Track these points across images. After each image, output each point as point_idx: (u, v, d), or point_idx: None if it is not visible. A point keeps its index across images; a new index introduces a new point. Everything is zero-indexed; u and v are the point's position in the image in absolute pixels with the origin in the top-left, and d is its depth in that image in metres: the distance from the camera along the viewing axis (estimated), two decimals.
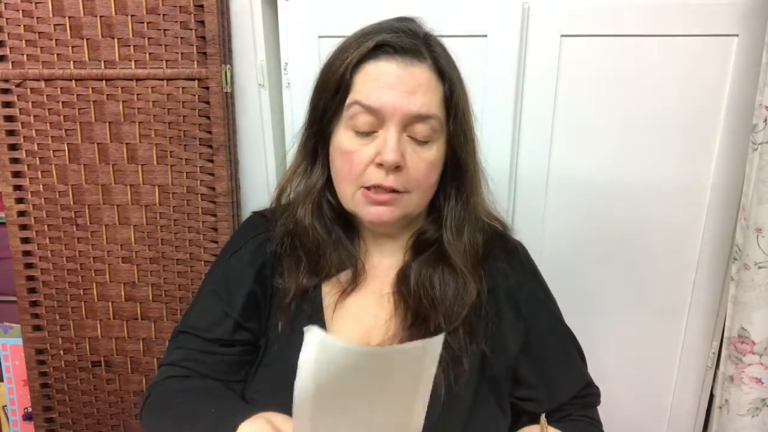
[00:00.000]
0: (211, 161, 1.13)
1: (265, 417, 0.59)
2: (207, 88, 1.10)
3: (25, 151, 1.15)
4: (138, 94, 1.11)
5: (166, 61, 1.09)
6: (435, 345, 0.49)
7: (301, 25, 1.12)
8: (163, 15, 1.07)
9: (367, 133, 0.68)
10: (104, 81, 1.11)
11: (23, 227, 1.18)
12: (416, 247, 0.77)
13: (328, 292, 0.76)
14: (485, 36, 1.07)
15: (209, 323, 0.75)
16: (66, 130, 1.14)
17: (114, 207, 1.17)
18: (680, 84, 1.06)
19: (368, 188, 0.69)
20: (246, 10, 1.12)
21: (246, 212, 1.18)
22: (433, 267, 0.74)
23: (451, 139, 0.72)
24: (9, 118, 1.13)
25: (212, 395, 0.70)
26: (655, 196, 1.12)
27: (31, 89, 1.12)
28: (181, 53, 1.09)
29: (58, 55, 1.10)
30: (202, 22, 1.07)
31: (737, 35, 1.02)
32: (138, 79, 1.10)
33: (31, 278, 1.21)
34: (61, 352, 1.24)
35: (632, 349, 1.21)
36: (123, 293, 1.21)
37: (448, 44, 0.73)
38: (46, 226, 1.18)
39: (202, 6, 1.06)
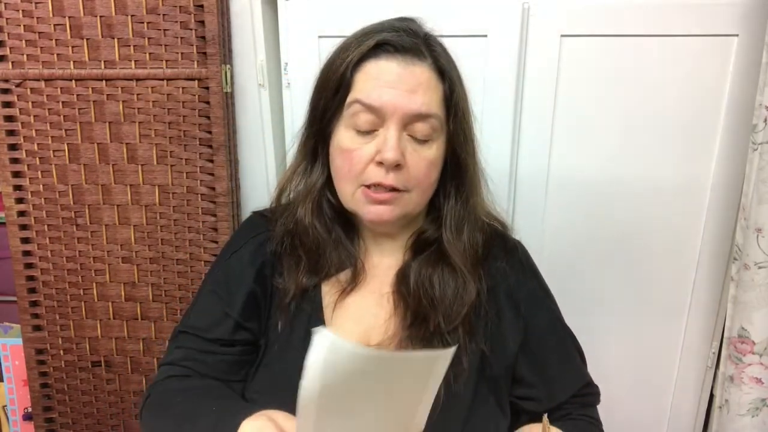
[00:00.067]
0: (211, 161, 1.13)
1: (266, 414, 0.59)
2: (207, 88, 1.10)
3: (25, 151, 1.15)
4: (138, 94, 1.11)
5: (166, 61, 1.09)
6: (446, 356, 0.49)
7: (301, 25, 1.12)
8: (163, 15, 1.07)
9: (368, 132, 0.68)
10: (104, 81, 1.11)
11: (23, 227, 1.18)
12: (416, 247, 0.77)
13: (328, 292, 0.76)
14: (485, 36, 1.08)
15: (209, 323, 0.75)
16: (66, 130, 1.14)
17: (114, 207, 1.17)
18: (680, 84, 1.06)
19: (368, 187, 0.69)
20: (246, 10, 1.12)
21: (246, 212, 1.18)
22: (432, 266, 0.74)
23: (450, 139, 0.72)
24: (9, 118, 1.13)
25: (212, 395, 0.70)
26: (655, 196, 1.12)
27: (31, 89, 1.12)
28: (181, 53, 1.09)
29: (58, 55, 1.10)
30: (202, 22, 1.07)
31: (737, 35, 1.02)
32: (138, 79, 1.10)
33: (31, 278, 1.21)
34: (61, 352, 1.24)
35: (632, 349, 1.21)
36: (123, 293, 1.21)
37: (448, 44, 0.73)
38: (46, 226, 1.18)
39: (202, 6, 1.06)
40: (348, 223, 0.77)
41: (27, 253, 1.20)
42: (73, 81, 1.11)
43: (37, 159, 1.15)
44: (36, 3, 1.08)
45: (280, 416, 0.59)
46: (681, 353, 1.20)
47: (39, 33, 1.09)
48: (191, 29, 1.08)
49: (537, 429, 0.68)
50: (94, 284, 1.21)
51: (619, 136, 1.10)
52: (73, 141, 1.14)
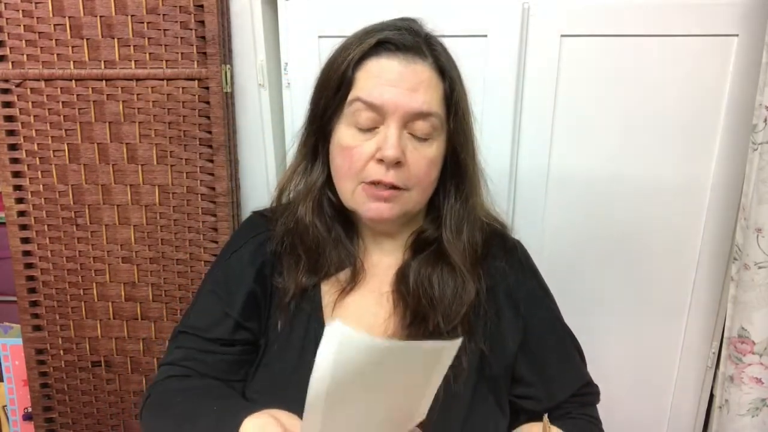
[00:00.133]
0: (211, 161, 1.13)
1: (269, 413, 0.59)
2: (207, 88, 1.10)
3: (25, 151, 1.15)
4: (138, 94, 1.11)
5: (166, 61, 1.09)
6: (453, 347, 0.50)
7: (301, 25, 1.12)
8: (163, 15, 1.07)
9: (368, 130, 0.68)
10: (104, 81, 1.11)
11: (23, 227, 1.18)
12: (415, 246, 0.77)
13: (328, 291, 0.76)
14: (485, 36, 1.08)
15: (209, 323, 0.75)
16: (66, 130, 1.14)
17: (114, 207, 1.17)
18: (680, 84, 1.06)
19: (369, 184, 0.69)
20: (246, 10, 1.12)
21: (246, 212, 1.18)
22: (432, 266, 0.74)
23: (451, 138, 0.72)
24: (9, 118, 1.13)
25: (212, 394, 0.70)
26: (655, 195, 1.12)
27: (31, 89, 1.12)
28: (181, 53, 1.09)
29: (58, 55, 1.10)
30: (202, 22, 1.07)
31: (737, 35, 1.02)
32: (138, 79, 1.10)
33: (31, 278, 1.21)
34: (61, 352, 1.24)
35: (632, 349, 1.21)
36: (123, 293, 1.21)
37: (448, 44, 0.74)
38: (46, 226, 1.18)
39: (202, 6, 1.06)
40: (348, 222, 0.77)
41: (27, 253, 1.20)
42: (73, 81, 1.11)
43: (37, 159, 1.15)
44: (36, 3, 1.08)
45: (282, 415, 0.59)
46: (681, 353, 1.20)
47: (39, 33, 1.09)
48: (191, 29, 1.08)
49: (537, 428, 0.68)
50: (94, 284, 1.21)
51: (619, 136, 1.10)
52: (73, 141, 1.14)
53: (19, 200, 1.17)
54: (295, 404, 0.55)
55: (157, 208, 1.16)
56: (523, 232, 0.92)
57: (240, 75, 1.15)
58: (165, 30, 1.08)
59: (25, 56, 1.11)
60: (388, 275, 0.77)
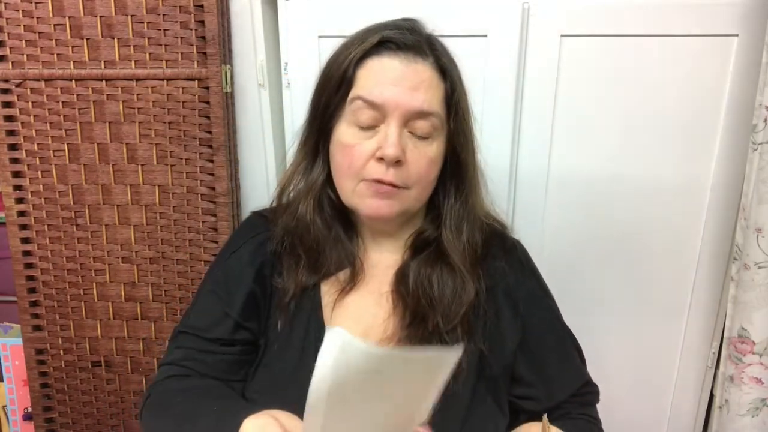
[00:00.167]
0: (211, 161, 1.13)
1: (269, 413, 0.59)
2: (207, 88, 1.10)
3: (25, 151, 1.15)
4: (138, 94, 1.11)
5: (166, 61, 1.09)
6: (454, 354, 0.50)
7: (301, 25, 1.12)
8: (163, 15, 1.07)
9: (368, 128, 0.68)
10: (104, 81, 1.11)
11: (23, 227, 1.18)
12: (415, 246, 0.77)
13: (327, 291, 0.76)
14: (485, 36, 1.07)
15: (209, 323, 0.75)
16: (66, 130, 1.14)
17: (114, 207, 1.17)
18: (680, 84, 1.06)
19: (369, 181, 0.69)
20: (246, 10, 1.12)
21: (246, 212, 1.18)
22: (431, 266, 0.74)
23: (451, 138, 0.73)
24: (9, 118, 1.13)
25: (212, 394, 0.70)
26: (655, 195, 1.12)
27: (31, 89, 1.12)
28: (181, 53, 1.09)
29: (58, 55, 1.10)
30: (202, 22, 1.07)
31: (737, 35, 1.02)
32: (138, 79, 1.10)
33: (31, 278, 1.21)
34: (61, 352, 1.24)
35: (632, 349, 1.21)
36: (123, 293, 1.21)
37: (448, 44, 0.74)
38: (46, 226, 1.18)
39: (202, 6, 1.06)
40: (347, 222, 0.78)
41: (27, 253, 1.20)
42: (73, 81, 1.11)
43: (37, 159, 1.15)
44: (36, 3, 1.08)
45: (282, 415, 0.59)
46: (681, 353, 1.20)
47: (39, 33, 1.09)
48: (191, 29, 1.08)
49: (536, 428, 0.68)
50: (94, 284, 1.21)
51: (619, 136, 1.10)
52: (73, 141, 1.14)
53: (19, 200, 1.17)
54: (295, 404, 0.55)
55: (157, 208, 1.16)
56: (523, 232, 0.92)
57: (240, 75, 1.15)
58: (165, 30, 1.08)
59: (25, 56, 1.11)
60: (387, 275, 0.77)
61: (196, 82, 1.10)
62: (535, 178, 1.14)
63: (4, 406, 1.37)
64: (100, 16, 1.08)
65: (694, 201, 1.11)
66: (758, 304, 1.02)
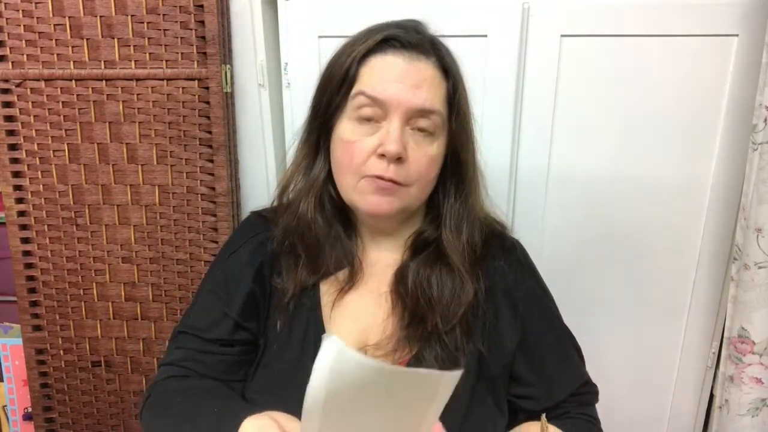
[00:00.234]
0: (211, 161, 1.13)
1: (269, 415, 0.59)
2: (207, 88, 1.10)
3: (25, 151, 1.15)
4: (138, 94, 1.11)
5: (166, 61, 1.09)
6: (452, 378, 0.50)
7: (301, 25, 1.12)
8: (163, 15, 1.07)
9: (370, 125, 0.68)
10: (104, 81, 1.11)
11: (23, 227, 1.18)
12: (414, 247, 0.77)
13: (326, 291, 0.76)
14: (485, 36, 1.08)
15: (208, 323, 0.75)
16: (66, 130, 1.14)
17: (114, 207, 1.17)
18: (680, 84, 1.06)
19: (370, 177, 0.69)
20: (246, 10, 1.12)
21: (246, 212, 1.18)
22: (431, 267, 0.74)
23: (452, 137, 0.73)
24: (9, 118, 1.13)
25: (212, 395, 0.70)
26: (655, 195, 1.12)
27: (31, 89, 1.12)
28: (181, 53, 1.09)
29: (58, 55, 1.10)
30: (202, 22, 1.07)
31: (737, 35, 1.02)
32: (138, 79, 1.10)
33: (31, 278, 1.21)
34: (61, 352, 1.24)
35: (632, 349, 1.21)
36: (123, 293, 1.21)
37: (449, 44, 0.74)
38: (46, 226, 1.18)
39: (202, 6, 1.06)
40: (347, 221, 0.78)
41: (27, 253, 1.20)
42: (73, 81, 1.11)
43: (37, 159, 1.15)
44: (36, 3, 1.08)
45: (282, 417, 0.59)
46: (681, 353, 1.20)
47: (39, 33, 1.09)
48: (191, 29, 1.08)
49: (535, 428, 0.68)
50: (94, 284, 1.21)
51: (619, 136, 1.10)
52: (73, 141, 1.14)
53: (19, 200, 1.17)
54: (295, 404, 0.55)
55: (157, 208, 1.16)
56: (523, 232, 0.92)
57: (240, 75, 1.15)
58: (165, 30, 1.08)
59: (25, 56, 1.11)
60: (386, 275, 0.77)
61: (196, 82, 1.10)
62: (535, 178, 1.14)
63: (4, 406, 1.37)
64: (100, 16, 1.08)
65: (694, 201, 1.11)
66: (758, 304, 1.02)
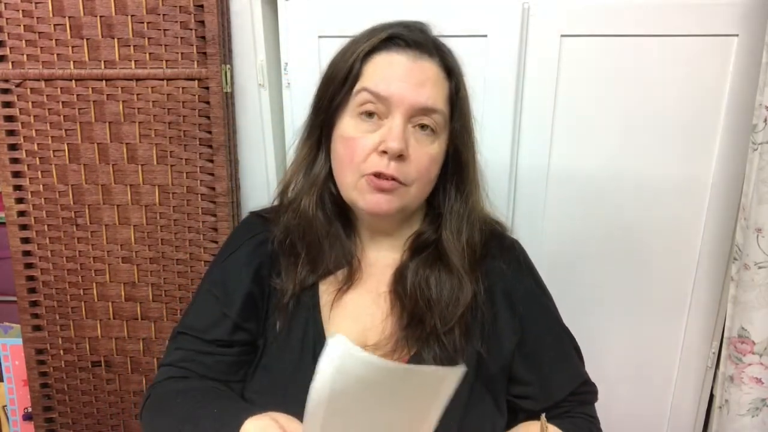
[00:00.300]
0: (211, 161, 1.13)
1: (270, 415, 0.59)
2: (207, 88, 1.10)
3: (25, 151, 1.15)
4: (138, 94, 1.11)
5: (166, 61, 1.09)
6: (455, 374, 0.50)
7: (301, 25, 1.12)
8: (163, 15, 1.07)
9: (372, 122, 0.68)
10: (104, 81, 1.11)
11: (23, 227, 1.18)
12: (414, 248, 0.77)
13: (326, 291, 0.76)
14: (485, 36, 1.08)
15: (207, 324, 0.75)
16: (66, 130, 1.14)
17: (114, 207, 1.17)
18: (680, 84, 1.06)
19: (371, 175, 0.69)
20: (246, 10, 1.12)
21: (246, 212, 1.18)
22: (430, 268, 0.74)
23: (453, 137, 0.73)
24: (9, 118, 1.13)
25: (212, 395, 0.70)
26: (655, 195, 1.12)
27: (31, 89, 1.12)
28: (181, 53, 1.09)
29: (58, 55, 1.10)
30: (202, 22, 1.07)
31: (737, 35, 1.02)
32: (138, 79, 1.10)
33: (31, 278, 1.21)
34: (61, 352, 1.24)
35: (632, 349, 1.21)
36: (123, 293, 1.21)
37: (449, 44, 0.74)
38: (46, 226, 1.18)
39: (202, 6, 1.06)
40: (346, 220, 0.78)
41: (27, 253, 1.20)
42: (73, 81, 1.11)
43: (37, 159, 1.15)
44: (36, 3, 1.08)
45: (282, 418, 0.59)
46: (681, 353, 1.20)
47: (39, 33, 1.09)
48: (191, 29, 1.08)
49: (534, 427, 0.68)
50: (94, 284, 1.21)
51: (619, 136, 1.10)
52: (73, 141, 1.14)
53: (19, 200, 1.17)
54: (294, 404, 0.55)
55: (157, 208, 1.16)
56: (523, 231, 0.93)
57: (240, 75, 1.15)
58: (165, 30, 1.08)
59: (25, 56, 1.11)
60: (385, 275, 0.77)
61: (196, 82, 1.10)
62: (535, 178, 1.14)
63: (4, 406, 1.37)
64: (100, 16, 1.08)
65: (694, 201, 1.11)
66: (758, 304, 1.02)
